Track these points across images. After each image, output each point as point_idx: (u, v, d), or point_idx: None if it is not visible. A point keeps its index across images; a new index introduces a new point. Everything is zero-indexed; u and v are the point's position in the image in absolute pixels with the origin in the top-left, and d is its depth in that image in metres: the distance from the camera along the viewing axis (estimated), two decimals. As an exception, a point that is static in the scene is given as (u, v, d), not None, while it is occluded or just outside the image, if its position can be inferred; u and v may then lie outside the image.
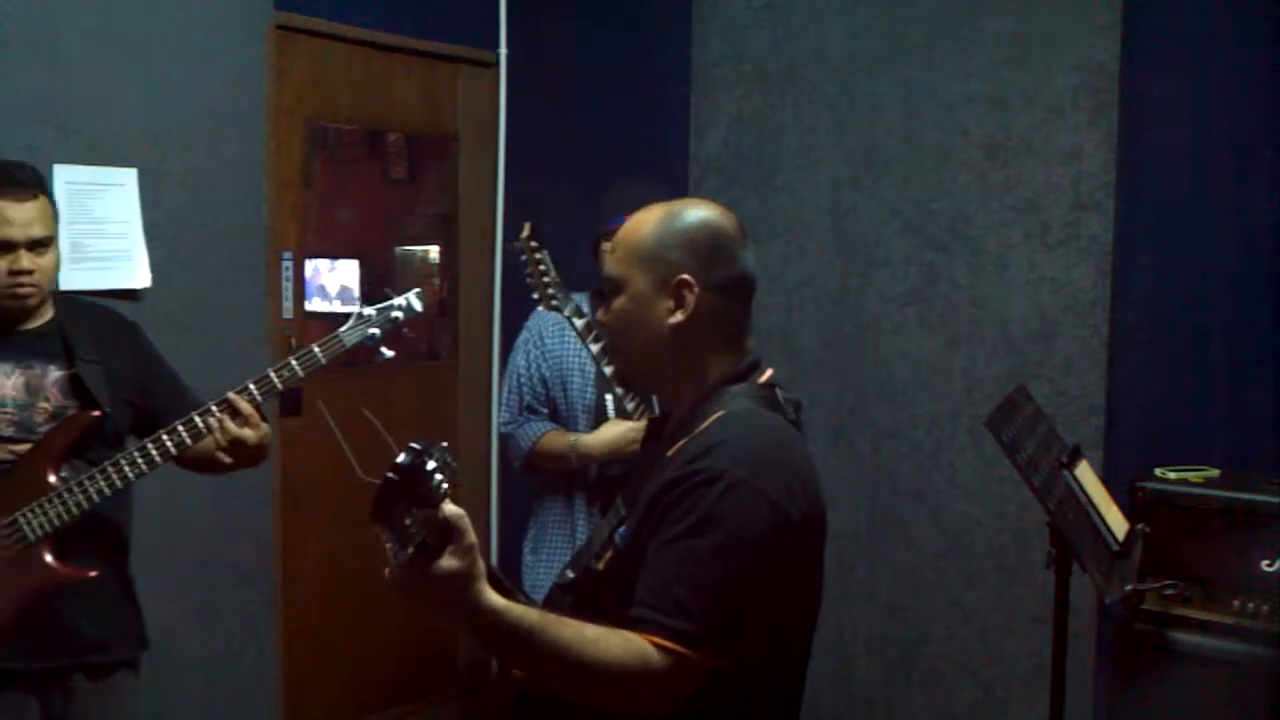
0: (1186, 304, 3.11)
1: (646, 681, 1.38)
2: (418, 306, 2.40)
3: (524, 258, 2.70)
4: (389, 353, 2.39)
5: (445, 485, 1.24)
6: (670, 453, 1.54)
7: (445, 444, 1.27)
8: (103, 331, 2.40)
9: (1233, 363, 3.05)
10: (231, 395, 2.25)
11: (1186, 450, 2.91)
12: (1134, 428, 3.18)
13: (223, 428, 2.23)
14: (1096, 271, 3.21)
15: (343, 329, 2.36)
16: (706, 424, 1.53)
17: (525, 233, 2.71)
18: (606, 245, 2.81)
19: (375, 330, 2.36)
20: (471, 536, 1.28)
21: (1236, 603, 2.58)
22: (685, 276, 1.56)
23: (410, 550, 1.24)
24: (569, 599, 1.62)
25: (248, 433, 2.25)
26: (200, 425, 2.24)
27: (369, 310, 2.38)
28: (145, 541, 2.87)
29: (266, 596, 3.52)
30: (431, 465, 1.22)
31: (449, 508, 1.26)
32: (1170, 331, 3.13)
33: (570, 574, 1.69)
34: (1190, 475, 2.77)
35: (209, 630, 3.34)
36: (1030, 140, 3.29)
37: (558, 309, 2.69)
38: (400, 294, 2.41)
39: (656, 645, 1.38)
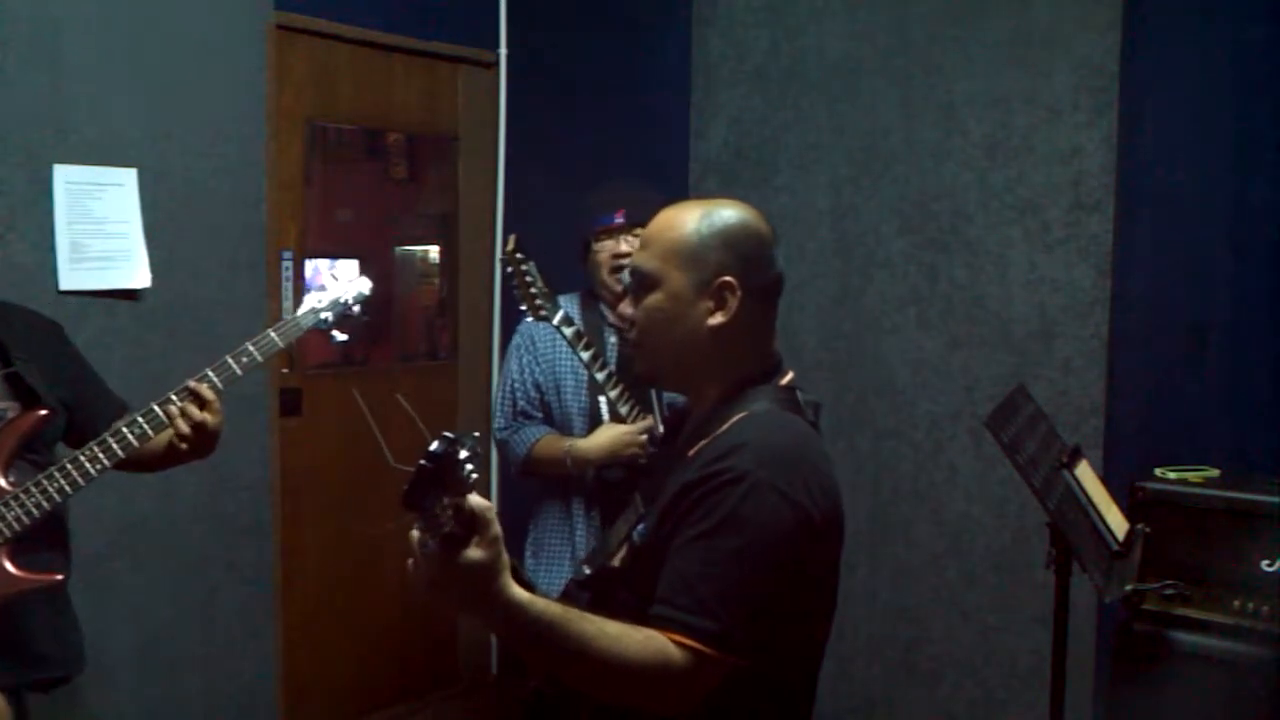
0: (1186, 304, 3.11)
1: (667, 679, 1.38)
2: (365, 291, 2.44)
3: (510, 270, 2.71)
4: (341, 336, 2.44)
5: (475, 475, 1.24)
6: (691, 453, 1.54)
7: (477, 434, 1.27)
8: (32, 333, 2.31)
9: (1232, 363, 3.05)
10: (192, 383, 2.19)
11: (1186, 450, 2.91)
12: (1134, 428, 3.17)
13: (185, 414, 2.17)
14: (1096, 271, 3.21)
15: (298, 313, 2.38)
16: (728, 425, 1.53)
17: (510, 245, 2.72)
18: (598, 245, 2.83)
19: (327, 315, 2.39)
20: (497, 528, 1.28)
21: (1236, 603, 2.58)
22: (728, 279, 1.56)
23: (437, 540, 1.24)
24: (585, 594, 1.62)
25: (209, 418, 2.18)
26: (161, 414, 2.17)
27: (319, 296, 2.41)
28: (144, 541, 2.88)
29: (266, 596, 3.52)
30: (464, 454, 1.22)
31: (475, 499, 1.26)
32: (1170, 331, 3.13)
33: (587, 570, 1.69)
34: (1190, 475, 2.77)
35: (209, 630, 3.34)
36: (1030, 140, 3.29)
37: (546, 319, 2.70)
38: (348, 280, 2.46)
39: (677, 643, 1.39)
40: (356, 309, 2.44)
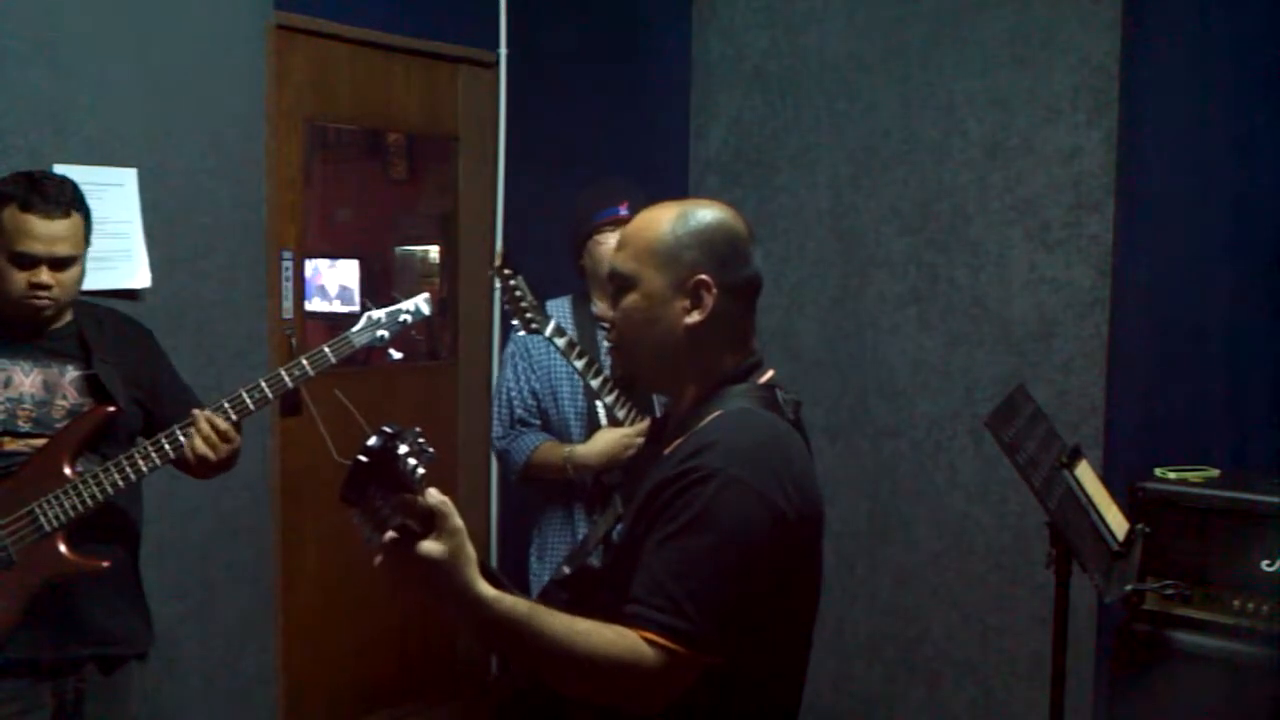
0: (1186, 304, 3.11)
1: (638, 676, 1.39)
2: (426, 310, 2.51)
3: (499, 285, 2.71)
4: (397, 355, 2.52)
5: (421, 470, 1.25)
6: (667, 451, 1.55)
7: (419, 428, 1.28)
8: (119, 335, 2.48)
9: (1233, 363, 3.04)
10: (205, 413, 2.31)
11: (1186, 450, 2.91)
12: (1134, 428, 3.17)
13: (202, 436, 2.29)
14: (1096, 271, 3.21)
15: (353, 330, 2.46)
16: (703, 423, 1.54)
17: (498, 261, 2.72)
18: (601, 238, 2.82)
19: (384, 333, 2.47)
20: (456, 521, 1.29)
21: (1236, 603, 2.58)
22: (703, 277, 1.56)
23: (387, 534, 1.25)
24: (564, 595, 1.62)
25: (207, 452, 2.30)
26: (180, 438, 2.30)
27: (379, 313, 2.48)
28: (145, 541, 2.87)
29: (266, 596, 3.52)
30: (404, 449, 1.23)
31: (433, 494, 1.27)
32: (1170, 331, 3.13)
33: (567, 570, 1.70)
34: (1190, 475, 2.77)
35: (209, 630, 3.34)
36: (1030, 140, 3.29)
37: (538, 332, 2.70)
38: (408, 297, 2.51)
39: (649, 641, 1.39)
40: (412, 331, 2.51)
